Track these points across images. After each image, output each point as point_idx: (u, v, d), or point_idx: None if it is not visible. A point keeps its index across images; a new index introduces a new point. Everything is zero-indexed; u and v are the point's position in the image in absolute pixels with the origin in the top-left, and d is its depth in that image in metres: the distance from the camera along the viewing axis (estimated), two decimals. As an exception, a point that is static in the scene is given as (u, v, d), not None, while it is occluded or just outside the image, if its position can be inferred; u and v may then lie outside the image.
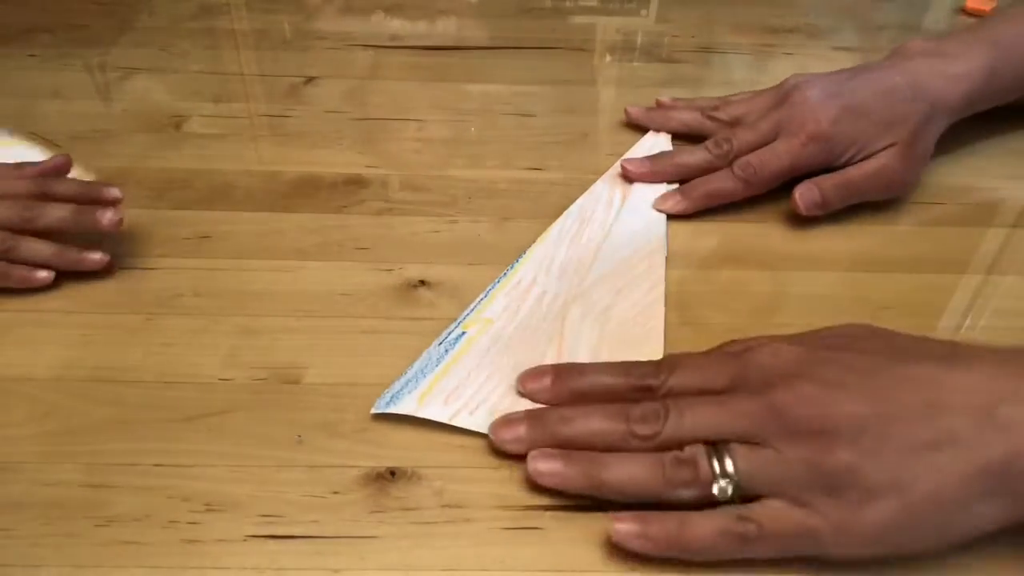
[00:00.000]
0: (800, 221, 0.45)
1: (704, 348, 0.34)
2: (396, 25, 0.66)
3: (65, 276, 0.40)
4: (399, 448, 0.33)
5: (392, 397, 0.34)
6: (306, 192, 0.47)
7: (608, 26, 0.68)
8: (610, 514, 0.30)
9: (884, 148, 0.45)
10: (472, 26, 0.67)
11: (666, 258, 0.42)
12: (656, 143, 0.52)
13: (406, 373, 0.36)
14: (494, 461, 0.33)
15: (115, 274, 0.41)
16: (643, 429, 0.31)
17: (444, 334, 0.38)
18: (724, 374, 0.32)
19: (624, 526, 0.29)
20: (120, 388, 0.35)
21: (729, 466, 0.29)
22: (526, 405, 0.34)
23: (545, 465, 0.31)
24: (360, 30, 0.65)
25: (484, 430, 0.33)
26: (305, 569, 0.29)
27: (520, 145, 0.52)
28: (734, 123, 0.50)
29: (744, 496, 0.29)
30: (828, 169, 0.46)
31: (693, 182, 0.47)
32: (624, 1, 0.72)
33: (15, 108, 0.54)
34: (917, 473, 0.28)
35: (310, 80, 0.58)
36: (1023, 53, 0.49)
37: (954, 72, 0.47)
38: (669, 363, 0.33)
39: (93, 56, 0.60)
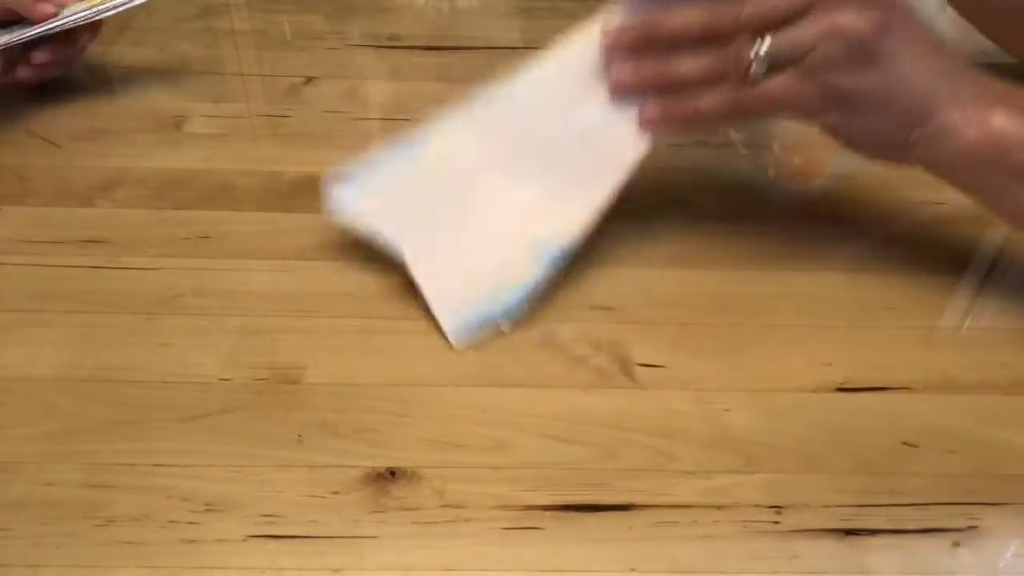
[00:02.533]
0: (800, 220, 0.45)
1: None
2: (396, 25, 0.66)
3: (65, 276, 0.40)
4: (399, 448, 0.33)
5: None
6: (306, 192, 0.47)
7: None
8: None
9: None
10: (472, 26, 0.67)
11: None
12: None
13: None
14: (494, 461, 0.33)
15: (115, 274, 0.41)
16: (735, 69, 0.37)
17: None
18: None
19: (648, 112, 0.39)
20: (120, 388, 0.35)
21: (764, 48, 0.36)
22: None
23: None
24: (360, 30, 0.65)
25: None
26: (305, 569, 0.29)
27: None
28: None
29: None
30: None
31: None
32: (624, 1, 0.72)
33: (15, 108, 0.54)
34: (884, 73, 0.36)
35: (310, 80, 0.58)
36: None
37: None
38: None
39: (93, 56, 0.60)
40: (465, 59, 0.62)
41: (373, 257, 0.43)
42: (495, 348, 0.38)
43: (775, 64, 0.37)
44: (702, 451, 0.34)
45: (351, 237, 0.44)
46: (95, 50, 0.61)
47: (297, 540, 0.30)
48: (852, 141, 0.39)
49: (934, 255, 0.44)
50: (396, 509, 0.31)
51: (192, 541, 0.30)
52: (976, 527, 0.31)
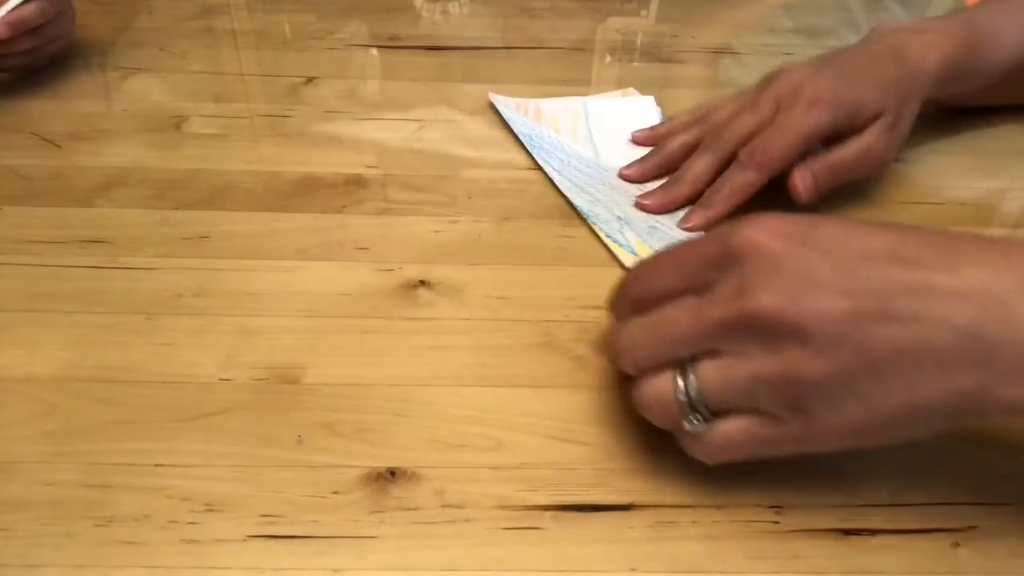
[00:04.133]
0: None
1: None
2: (396, 25, 0.66)
3: (65, 276, 0.40)
4: (399, 448, 0.33)
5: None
6: (306, 192, 0.47)
7: (608, 26, 0.68)
8: None
9: (872, 121, 0.45)
10: (472, 26, 0.67)
11: None
12: (635, 108, 0.55)
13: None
14: (494, 461, 0.33)
15: (115, 274, 0.41)
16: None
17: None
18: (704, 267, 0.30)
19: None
20: (120, 388, 0.35)
21: (692, 388, 0.29)
22: None
23: None
24: (360, 30, 0.65)
25: None
26: (305, 569, 0.29)
27: (520, 145, 0.52)
28: (728, 121, 0.48)
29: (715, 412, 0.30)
30: (830, 141, 0.45)
31: (708, 192, 0.46)
32: (624, 1, 0.72)
33: (15, 108, 0.54)
34: (888, 386, 0.27)
35: (310, 80, 0.58)
36: (1001, 31, 0.49)
37: (931, 40, 0.47)
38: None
39: (93, 56, 0.60)
40: (465, 59, 0.62)
41: (373, 257, 0.43)
42: (495, 348, 0.38)
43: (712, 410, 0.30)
44: (702, 451, 0.34)
45: (351, 237, 0.44)
46: (95, 50, 0.61)
47: (297, 540, 0.30)
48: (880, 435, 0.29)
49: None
50: (396, 509, 0.31)
51: (192, 541, 0.30)
52: (976, 527, 0.31)
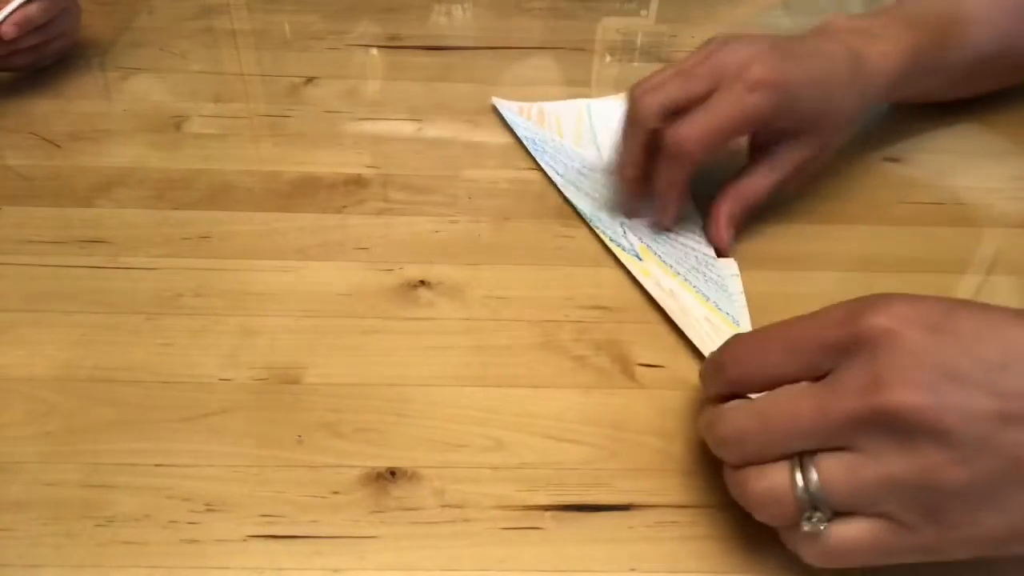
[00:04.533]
0: (799, 221, 0.45)
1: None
2: (396, 25, 0.66)
3: (65, 276, 0.40)
4: (399, 448, 0.33)
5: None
6: (306, 192, 0.47)
7: (608, 26, 0.68)
8: None
9: (812, 125, 0.42)
10: (472, 26, 0.67)
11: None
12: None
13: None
14: (494, 461, 0.33)
15: (115, 274, 0.41)
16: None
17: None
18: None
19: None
20: (120, 388, 0.35)
21: (814, 485, 0.26)
22: None
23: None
24: (360, 30, 0.65)
25: None
26: (305, 569, 0.29)
27: (520, 145, 0.52)
28: (652, 88, 0.42)
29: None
30: (774, 134, 0.42)
31: (653, 187, 0.43)
32: (624, 1, 0.72)
33: (15, 108, 0.54)
34: None
35: (310, 80, 0.58)
36: (942, 31, 0.47)
37: (885, 50, 0.44)
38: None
39: (93, 56, 0.60)
40: (465, 59, 0.62)
41: (373, 257, 0.43)
42: (495, 348, 0.38)
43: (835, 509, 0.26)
44: (702, 451, 0.34)
45: (351, 237, 0.44)
46: (96, 50, 0.61)
47: (297, 540, 0.30)
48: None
49: (934, 255, 0.44)
50: (396, 509, 0.31)
51: (192, 541, 0.30)
52: (976, 527, 0.31)
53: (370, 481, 0.32)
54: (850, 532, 0.26)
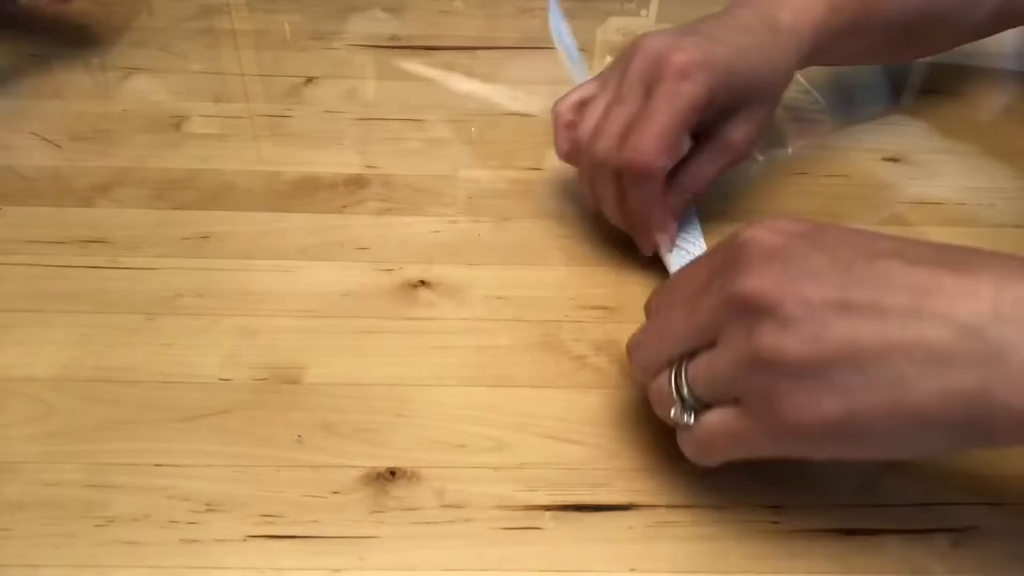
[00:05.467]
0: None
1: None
2: (396, 25, 0.66)
3: (65, 276, 0.40)
4: (399, 448, 0.33)
5: None
6: (306, 192, 0.47)
7: (608, 26, 0.68)
8: None
9: (749, 97, 0.41)
10: (473, 26, 0.67)
11: None
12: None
13: None
14: (494, 461, 0.33)
15: (115, 274, 0.41)
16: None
17: None
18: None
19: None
20: (120, 388, 0.35)
21: (684, 381, 0.29)
22: None
23: None
24: (360, 30, 0.65)
25: None
26: (305, 569, 0.29)
27: (520, 145, 0.52)
28: (597, 129, 0.40)
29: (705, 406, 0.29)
30: (713, 117, 0.40)
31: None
32: (624, 1, 0.72)
33: (15, 108, 0.54)
34: (873, 380, 0.25)
35: (310, 80, 0.58)
36: None
37: (802, 3, 0.43)
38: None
39: (93, 56, 0.60)
40: (465, 59, 0.62)
41: (373, 257, 0.43)
42: (495, 348, 0.38)
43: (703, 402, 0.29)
44: (702, 451, 0.34)
45: (351, 237, 0.44)
46: (95, 50, 0.61)
47: (297, 540, 0.30)
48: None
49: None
50: (396, 509, 0.31)
51: (192, 541, 0.30)
52: (976, 527, 0.31)
53: (370, 481, 0.32)
54: (711, 421, 0.29)
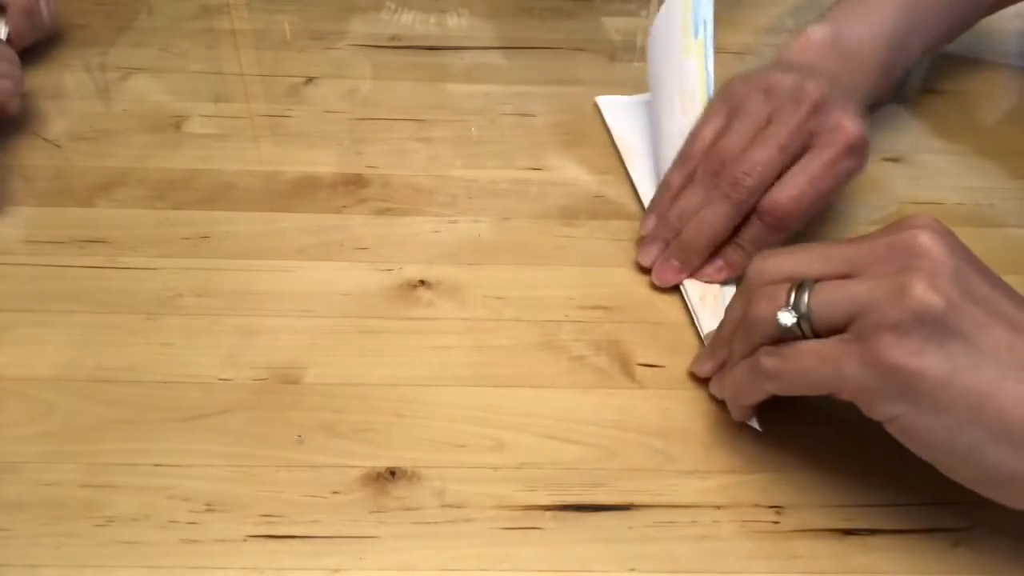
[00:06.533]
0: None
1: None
2: (396, 25, 0.66)
3: (65, 276, 0.40)
4: (399, 448, 0.33)
5: None
6: (306, 192, 0.47)
7: (608, 26, 0.68)
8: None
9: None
10: (472, 26, 0.67)
11: None
12: None
13: None
14: (494, 461, 0.33)
15: (115, 274, 0.41)
16: None
17: None
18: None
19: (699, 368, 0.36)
20: (120, 388, 0.35)
21: (803, 301, 0.29)
22: None
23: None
24: (360, 30, 0.65)
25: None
26: (305, 569, 0.29)
27: (520, 145, 0.52)
28: (746, 164, 0.39)
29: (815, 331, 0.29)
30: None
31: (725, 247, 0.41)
32: (624, 1, 0.72)
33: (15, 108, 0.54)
34: (979, 366, 0.26)
35: (310, 80, 0.58)
36: (906, 42, 0.48)
37: (856, 81, 0.44)
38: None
39: (93, 56, 0.60)
40: (465, 59, 0.62)
41: (373, 257, 0.43)
42: (495, 348, 0.38)
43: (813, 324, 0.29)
44: (702, 451, 0.34)
45: (351, 237, 0.44)
46: (95, 50, 0.61)
47: (297, 540, 0.30)
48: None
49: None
50: (396, 509, 0.31)
51: (192, 541, 0.30)
52: (976, 527, 0.31)
53: (370, 481, 0.32)
54: (804, 342, 0.29)
